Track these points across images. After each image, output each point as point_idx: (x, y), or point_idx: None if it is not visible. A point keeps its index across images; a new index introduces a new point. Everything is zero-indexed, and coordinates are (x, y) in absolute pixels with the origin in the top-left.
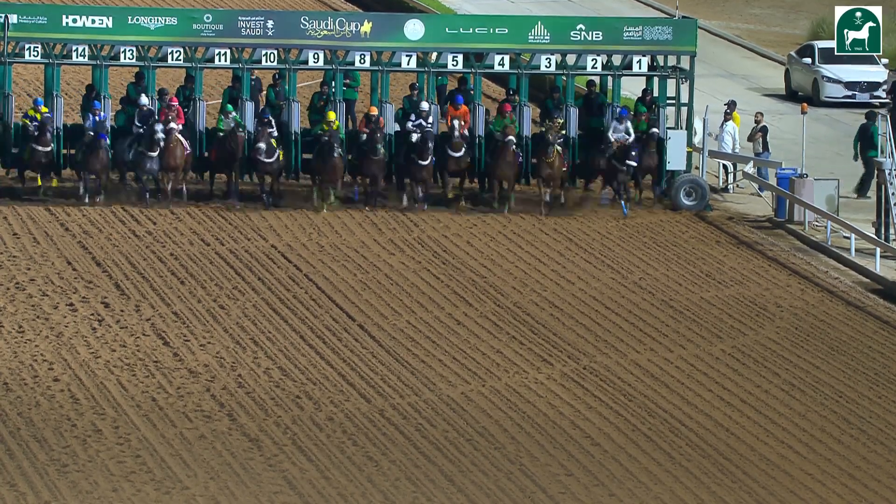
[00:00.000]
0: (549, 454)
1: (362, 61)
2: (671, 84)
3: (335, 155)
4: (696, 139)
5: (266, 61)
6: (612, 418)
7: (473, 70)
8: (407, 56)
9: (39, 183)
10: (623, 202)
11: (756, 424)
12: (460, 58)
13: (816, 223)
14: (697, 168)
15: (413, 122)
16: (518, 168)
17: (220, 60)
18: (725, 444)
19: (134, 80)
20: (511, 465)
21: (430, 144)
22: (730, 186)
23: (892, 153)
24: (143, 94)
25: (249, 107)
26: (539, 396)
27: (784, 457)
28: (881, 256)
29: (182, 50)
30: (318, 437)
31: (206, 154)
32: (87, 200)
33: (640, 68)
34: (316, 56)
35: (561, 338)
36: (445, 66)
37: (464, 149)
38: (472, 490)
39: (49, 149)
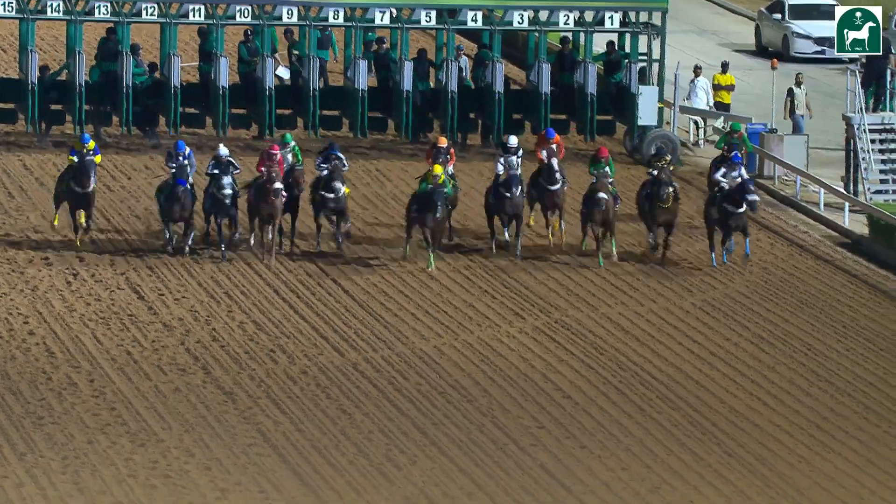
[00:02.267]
0: (521, 407)
1: (336, 17)
2: (643, 40)
3: (439, 211)
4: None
5: (239, 17)
6: (583, 371)
7: (447, 26)
8: (381, 12)
9: (56, 221)
10: (746, 242)
11: (725, 377)
12: (433, 14)
13: (786, 178)
14: (668, 123)
15: (501, 155)
16: (614, 216)
17: (193, 16)
18: (695, 397)
19: (105, 34)
20: (483, 418)
21: (515, 188)
22: (700, 141)
23: (861, 109)
24: (221, 145)
25: (223, 63)
26: (511, 350)
27: (753, 409)
28: (850, 211)
29: (157, 6)
30: (292, 391)
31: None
32: (170, 249)
33: (612, 24)
34: (290, 12)
35: (532, 292)
36: (419, 22)
37: (561, 182)
38: (444, 442)
39: (89, 191)
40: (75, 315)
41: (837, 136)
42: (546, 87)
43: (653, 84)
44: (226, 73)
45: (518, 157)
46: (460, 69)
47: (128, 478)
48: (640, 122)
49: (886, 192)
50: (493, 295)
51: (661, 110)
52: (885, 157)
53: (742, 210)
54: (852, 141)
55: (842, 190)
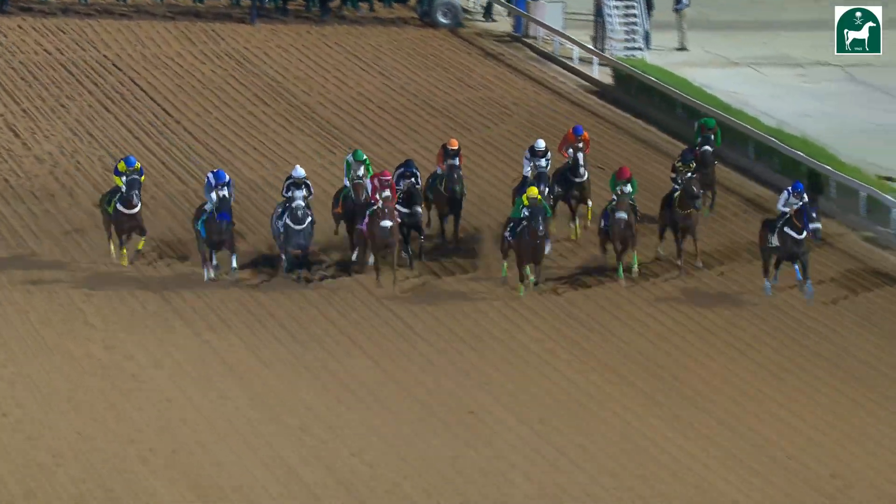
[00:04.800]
0: (332, 224)
1: None
2: None
3: (538, 235)
4: None
5: None
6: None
7: None
8: None
9: (124, 252)
10: (805, 280)
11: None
12: None
13: (546, 38)
14: None
15: (527, 157)
16: (633, 235)
17: None
18: (496, 220)
19: None
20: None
21: (542, 186)
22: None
23: None
24: (298, 166)
25: None
26: (325, 179)
27: None
28: (599, 64)
29: None
30: (145, 213)
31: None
32: (209, 277)
33: None
34: None
35: (341, 131)
36: None
37: (586, 175)
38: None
39: (135, 211)
40: None
41: (588, 3)
42: None
43: None
44: None
45: (547, 160)
46: None
47: (7, 284)
48: None
49: (628, 49)
50: (308, 134)
51: None
52: (626, 21)
53: (804, 237)
54: (602, 7)
55: (591, 47)
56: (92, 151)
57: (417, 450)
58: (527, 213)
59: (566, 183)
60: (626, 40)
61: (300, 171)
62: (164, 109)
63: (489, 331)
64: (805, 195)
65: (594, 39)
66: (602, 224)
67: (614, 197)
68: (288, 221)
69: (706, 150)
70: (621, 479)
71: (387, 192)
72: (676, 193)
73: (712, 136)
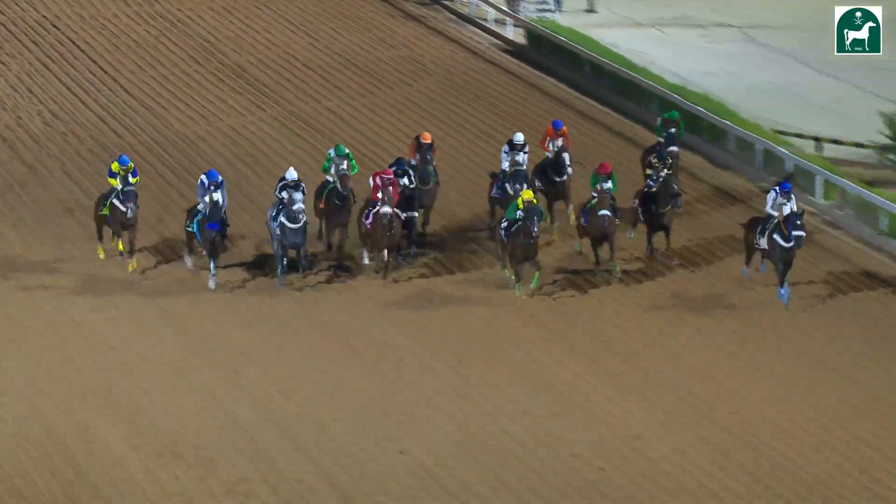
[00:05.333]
0: (261, 179)
1: None
2: None
3: (532, 235)
4: None
5: None
6: (313, 153)
7: None
8: None
9: (121, 247)
10: (783, 289)
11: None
12: None
13: (463, 0)
14: None
15: (505, 151)
16: (614, 228)
17: None
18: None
19: None
20: (233, 187)
21: (520, 185)
22: None
23: None
24: (291, 168)
25: None
26: (253, 134)
27: None
28: (513, 25)
29: None
30: (83, 165)
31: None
32: (190, 265)
33: None
34: None
35: (270, 89)
36: None
37: (568, 174)
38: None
39: (132, 215)
40: None
41: None
42: None
43: None
44: None
45: (525, 154)
46: None
47: None
48: None
49: (540, 10)
50: (239, 91)
51: None
52: None
53: (792, 244)
54: None
55: (506, 9)
56: (32, 107)
57: (344, 390)
58: (521, 214)
59: (547, 182)
60: (539, 2)
61: (293, 174)
62: (100, 67)
63: (415, 281)
64: (792, 195)
65: (508, 2)
66: (582, 220)
67: (594, 194)
68: (284, 220)
69: (674, 150)
70: (535, 418)
71: (389, 191)
72: (653, 189)
73: (674, 130)
